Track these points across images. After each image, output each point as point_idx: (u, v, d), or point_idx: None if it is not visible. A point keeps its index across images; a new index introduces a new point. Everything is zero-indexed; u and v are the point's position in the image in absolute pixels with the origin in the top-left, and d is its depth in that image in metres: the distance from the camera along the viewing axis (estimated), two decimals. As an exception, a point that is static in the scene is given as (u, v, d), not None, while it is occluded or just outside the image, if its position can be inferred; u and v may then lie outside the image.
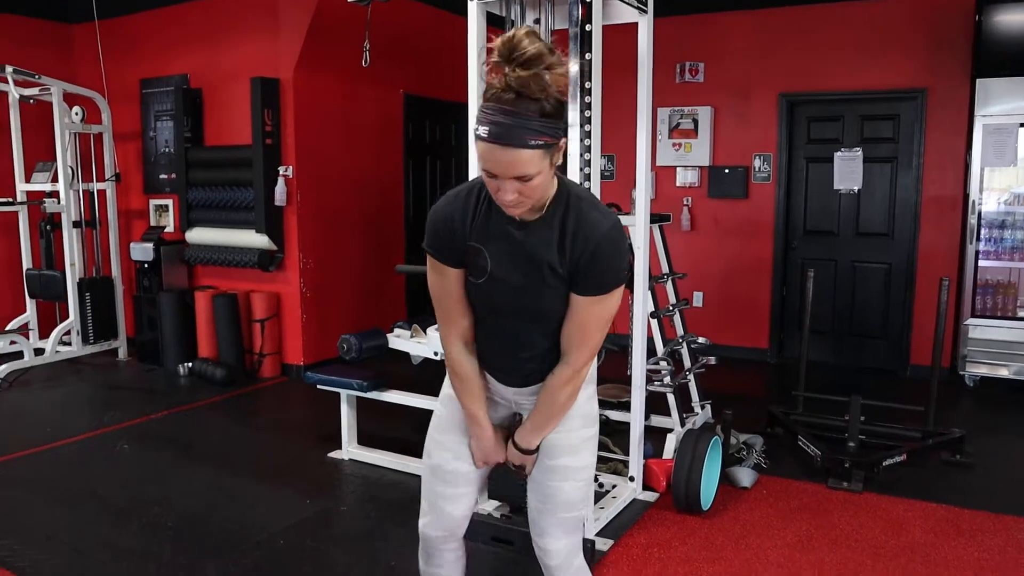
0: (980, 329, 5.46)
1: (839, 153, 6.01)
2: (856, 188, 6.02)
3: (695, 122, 6.39)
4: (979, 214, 5.39)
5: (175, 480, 3.93)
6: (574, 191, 1.74)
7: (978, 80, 5.31)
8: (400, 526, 3.35)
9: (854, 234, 6.11)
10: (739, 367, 6.14)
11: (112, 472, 4.05)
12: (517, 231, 1.72)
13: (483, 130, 1.55)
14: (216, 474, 4.02)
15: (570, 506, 1.96)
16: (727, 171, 6.35)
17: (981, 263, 5.47)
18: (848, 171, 6.01)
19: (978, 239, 5.43)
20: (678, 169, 6.53)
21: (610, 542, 3.21)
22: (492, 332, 1.87)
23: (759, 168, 6.27)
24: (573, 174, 2.95)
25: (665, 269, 4.49)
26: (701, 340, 4.57)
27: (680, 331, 4.48)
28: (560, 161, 1.65)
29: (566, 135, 1.65)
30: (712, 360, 4.53)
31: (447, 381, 2.03)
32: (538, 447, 1.94)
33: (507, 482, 3.22)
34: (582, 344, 1.79)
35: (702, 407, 4.47)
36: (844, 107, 6.01)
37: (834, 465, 3.82)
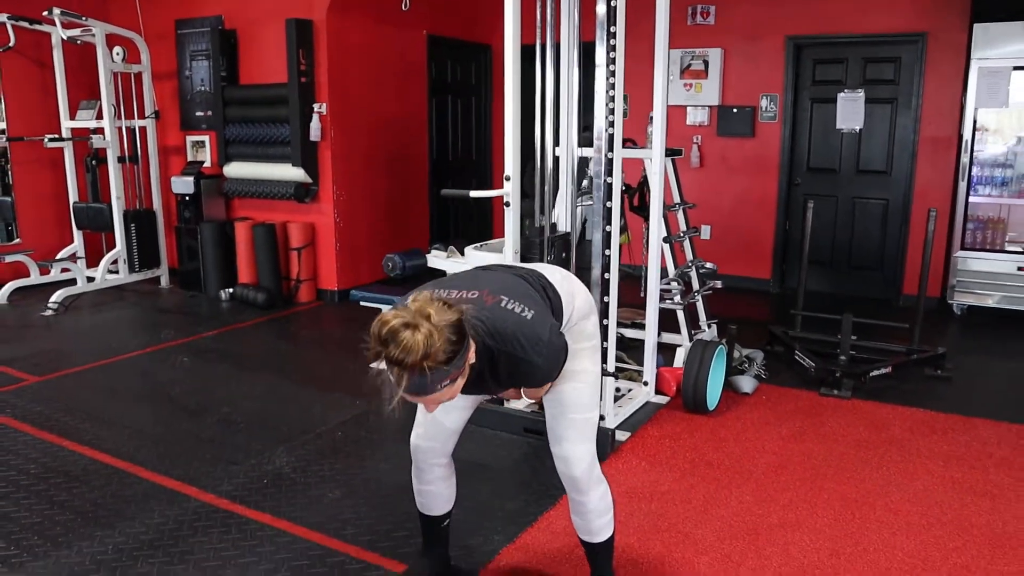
0: (969, 261, 5.85)
1: (842, 94, 6.32)
2: (858, 128, 6.34)
3: (705, 63, 6.70)
4: (971, 153, 5.73)
5: (236, 386, 4.40)
6: (493, 345, 1.87)
7: (976, 24, 5.60)
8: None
9: (855, 171, 6.47)
10: (744, 295, 6.57)
11: (178, 380, 4.52)
12: (462, 393, 1.95)
13: (403, 390, 1.72)
14: (271, 382, 4.49)
15: (579, 407, 2.15)
16: (735, 110, 6.68)
17: (972, 199, 5.83)
18: (850, 111, 6.33)
19: (970, 176, 5.79)
20: (688, 108, 6.86)
21: (627, 434, 3.67)
22: None
23: (766, 108, 6.59)
24: (599, 112, 3.31)
25: (677, 199, 4.87)
26: (709, 265, 4.97)
27: (689, 256, 4.88)
28: (470, 364, 1.80)
29: (467, 352, 1.76)
30: (718, 284, 4.94)
31: None
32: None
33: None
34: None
35: (709, 326, 4.90)
36: (848, 50, 6.30)
37: (826, 375, 4.28)
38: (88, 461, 3.40)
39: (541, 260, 3.64)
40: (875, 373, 4.28)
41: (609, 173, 3.43)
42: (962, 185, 5.84)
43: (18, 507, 2.99)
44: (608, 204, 3.44)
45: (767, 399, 4.17)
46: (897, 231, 6.32)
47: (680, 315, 4.54)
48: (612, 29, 3.30)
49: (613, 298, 3.59)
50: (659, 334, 4.87)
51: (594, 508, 2.24)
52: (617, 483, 3.19)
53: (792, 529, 2.85)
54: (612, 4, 3.28)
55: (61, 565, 2.60)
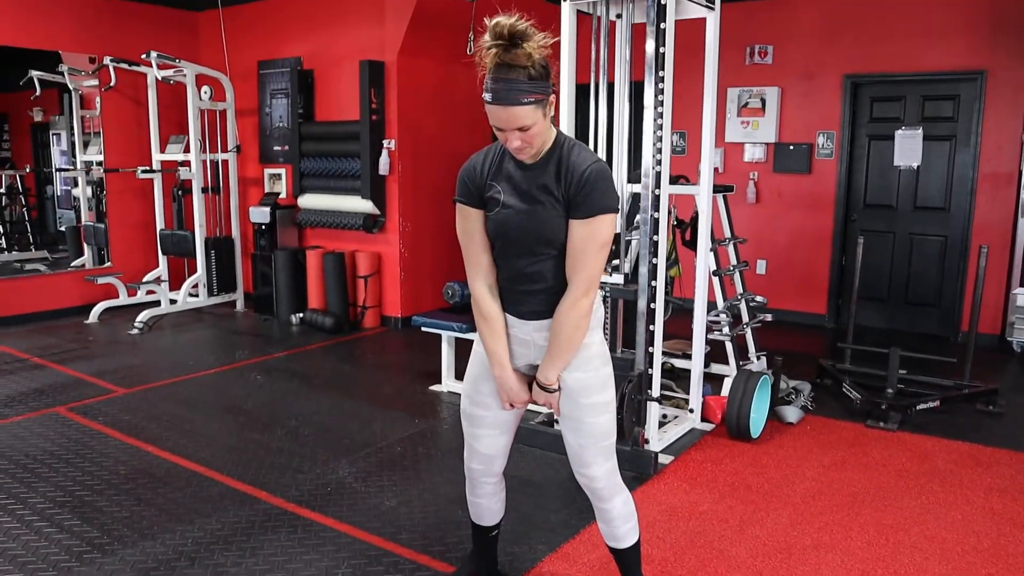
0: (1029, 298, 5.81)
1: (900, 131, 6.38)
2: (915, 165, 6.39)
3: (763, 101, 6.85)
4: (1031, 190, 5.73)
5: (304, 403, 4.70)
6: (568, 140, 2.13)
7: (1035, 62, 5.64)
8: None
9: (912, 208, 6.50)
10: (798, 330, 6.63)
11: (251, 395, 4.84)
12: (522, 171, 2.13)
13: (487, 95, 1.95)
14: (336, 400, 4.77)
15: (606, 435, 2.29)
16: (792, 148, 6.79)
17: (1032, 236, 5.81)
18: (908, 148, 6.39)
19: (1030, 213, 5.78)
20: (745, 145, 7.00)
21: (671, 457, 3.82)
22: (508, 268, 2.21)
23: (822, 145, 6.69)
24: (647, 150, 3.53)
25: (727, 234, 5.02)
26: (759, 299, 5.10)
27: (740, 289, 5.02)
28: (552, 113, 2.04)
29: (555, 91, 2.01)
30: (768, 317, 5.06)
31: (476, 340, 2.35)
32: (559, 387, 2.23)
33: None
34: (581, 269, 2.09)
35: (758, 358, 5.02)
36: (906, 88, 6.38)
37: (872, 407, 4.35)
38: (171, 465, 3.71)
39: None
40: (922, 407, 4.33)
41: (656, 208, 3.62)
42: (1022, 221, 5.83)
43: (110, 502, 3.31)
44: (655, 238, 3.63)
45: (811, 429, 4.26)
46: (955, 267, 6.32)
47: (728, 346, 4.68)
48: (660, 73, 3.51)
49: (659, 327, 3.77)
50: (708, 365, 5.03)
51: (618, 514, 2.41)
52: (657, 502, 3.35)
53: (825, 551, 2.95)
54: (661, 50, 3.50)
55: (147, 553, 2.89)
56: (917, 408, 4.33)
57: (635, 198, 4.17)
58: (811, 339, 6.43)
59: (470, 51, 4.57)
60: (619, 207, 2.20)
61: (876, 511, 3.28)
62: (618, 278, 3.83)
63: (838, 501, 3.38)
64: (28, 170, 8.12)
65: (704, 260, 4.21)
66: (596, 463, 2.31)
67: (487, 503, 2.58)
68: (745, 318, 5.00)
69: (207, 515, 3.21)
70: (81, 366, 5.39)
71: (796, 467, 3.75)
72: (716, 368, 4.97)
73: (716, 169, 7.13)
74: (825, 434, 4.19)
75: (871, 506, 3.33)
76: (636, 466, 3.64)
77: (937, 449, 3.97)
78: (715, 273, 4.67)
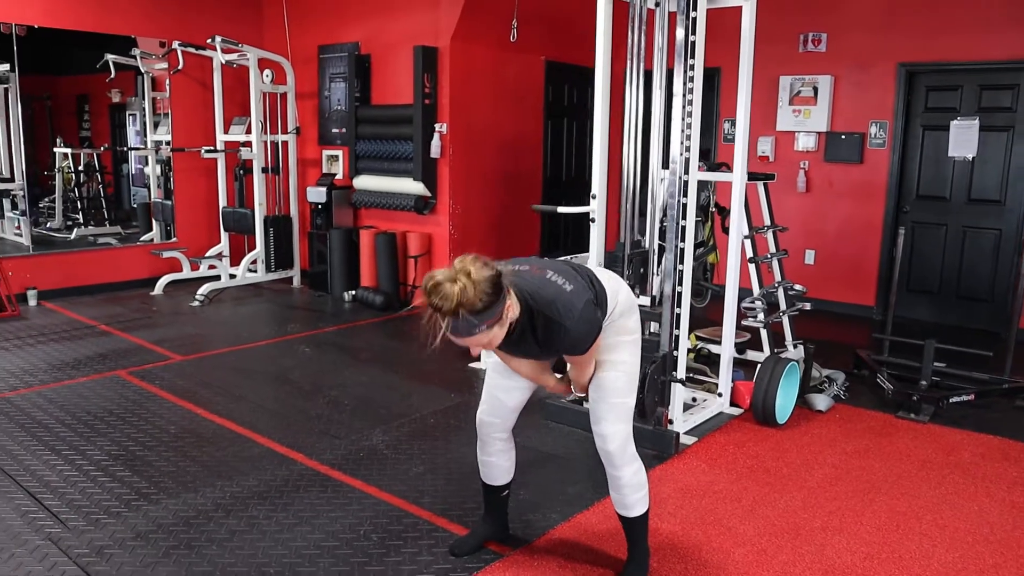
0: (1085, 295, 5.66)
1: (955, 121, 6.22)
2: (971, 156, 6.23)
3: (815, 89, 6.78)
4: (1091, 184, 5.57)
5: (347, 375, 4.92)
6: (535, 307, 2.22)
7: (1098, 53, 5.46)
8: (525, 416, 4.13)
9: (966, 200, 6.37)
10: (845, 321, 6.58)
11: (298, 366, 5.09)
12: (505, 345, 2.29)
13: (445, 330, 2.07)
14: (379, 373, 4.98)
15: (618, 392, 2.48)
16: (843, 137, 6.72)
17: (1090, 231, 5.65)
18: (964, 139, 6.24)
19: (1089, 208, 5.61)
20: (797, 134, 6.95)
21: (694, 439, 3.91)
22: None
23: (875, 135, 6.60)
24: (675, 137, 3.60)
25: (767, 222, 5.04)
26: (798, 287, 5.09)
27: (778, 277, 5.03)
28: (509, 314, 2.13)
29: (504, 303, 2.08)
30: (807, 306, 5.05)
31: None
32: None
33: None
34: (580, 365, 2.48)
35: (795, 346, 5.03)
36: (963, 77, 6.24)
37: (904, 398, 4.34)
38: (216, 427, 3.97)
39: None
40: (955, 399, 4.31)
41: (684, 194, 3.70)
42: (1080, 217, 5.67)
43: (159, 457, 3.58)
44: (683, 223, 3.70)
45: (840, 418, 4.28)
46: (1009, 262, 6.18)
47: (763, 333, 4.72)
48: (691, 61, 3.57)
49: (685, 310, 3.84)
50: (744, 351, 5.08)
51: (628, 483, 2.54)
52: (674, 480, 3.45)
53: (833, 533, 3.01)
54: (691, 38, 3.56)
55: (189, 504, 3.13)
56: (950, 401, 4.31)
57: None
58: (857, 330, 6.38)
59: (513, 38, 4.73)
60: (601, 322, 2.39)
61: (891, 499, 3.32)
62: (645, 300, 3.90)
63: (854, 487, 3.42)
64: (103, 149, 8.54)
65: (735, 247, 4.25)
66: (606, 419, 2.49)
67: (497, 460, 2.74)
68: (783, 306, 5.02)
69: (246, 473, 3.44)
70: (143, 334, 5.72)
71: (817, 453, 3.79)
72: (752, 355, 5.01)
73: (766, 157, 7.10)
74: (853, 423, 4.21)
75: (887, 494, 3.36)
76: (658, 445, 3.74)
77: (966, 442, 3.95)
78: (751, 260, 4.71)
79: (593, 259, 4.10)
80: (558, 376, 2.66)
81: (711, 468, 3.59)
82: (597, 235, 4.12)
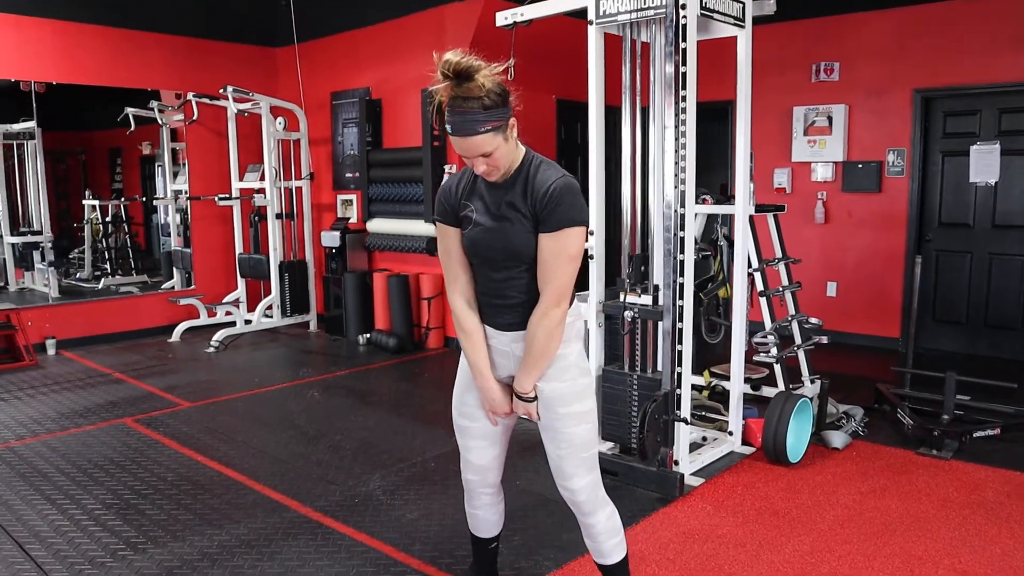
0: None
1: (975, 146, 6.09)
2: (993, 181, 6.08)
3: (829, 119, 6.67)
4: (1119, 206, 5.37)
5: (353, 418, 4.85)
6: (535, 158, 2.20)
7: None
8: (528, 459, 4.05)
9: (990, 226, 6.18)
10: (868, 354, 6.38)
11: (305, 411, 5.04)
12: (492, 190, 2.19)
13: (448, 127, 2.05)
14: (385, 416, 4.91)
15: (587, 445, 2.31)
16: (860, 166, 6.58)
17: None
18: (985, 164, 6.09)
19: (1119, 231, 5.40)
20: (813, 164, 6.83)
21: (701, 480, 3.76)
22: (484, 283, 2.28)
23: (893, 163, 6.46)
24: (668, 171, 3.53)
25: (778, 254, 4.92)
26: (813, 320, 4.94)
27: (791, 310, 4.89)
28: (515, 135, 2.13)
29: (510, 116, 2.09)
30: (824, 339, 4.89)
31: (462, 359, 2.42)
32: (535, 396, 2.27)
33: (620, 426, 3.86)
34: (551, 280, 2.14)
35: (812, 381, 4.86)
36: (981, 101, 6.10)
37: (925, 433, 4.15)
38: (215, 473, 3.92)
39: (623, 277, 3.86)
40: (980, 434, 4.11)
41: (681, 228, 3.61)
42: (1110, 241, 5.46)
43: (151, 505, 3.53)
44: (680, 257, 3.61)
45: (857, 455, 4.10)
46: (1038, 289, 5.96)
47: (776, 368, 4.58)
48: (683, 93, 3.51)
49: (687, 347, 3.73)
50: (759, 388, 4.93)
51: (602, 529, 2.41)
52: (676, 524, 3.31)
53: (842, 579, 2.85)
54: (683, 70, 3.50)
55: (174, 553, 3.07)
56: (974, 435, 4.11)
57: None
58: (880, 363, 6.16)
59: (510, 77, 4.70)
60: (588, 220, 2.20)
61: (907, 541, 3.14)
62: (647, 299, 3.82)
63: (868, 529, 3.25)
64: (127, 200, 8.68)
65: (740, 280, 4.14)
66: (577, 475, 2.33)
67: (484, 515, 2.62)
68: (798, 340, 4.87)
69: (237, 520, 3.37)
70: (155, 381, 5.73)
71: (831, 493, 3.62)
72: (767, 391, 4.86)
73: (782, 189, 6.98)
74: (870, 460, 4.03)
75: (903, 536, 3.19)
76: (661, 487, 3.61)
77: (990, 479, 3.75)
78: (762, 294, 4.59)
79: (593, 296, 4.02)
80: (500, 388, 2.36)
81: (716, 511, 3.44)
82: (596, 272, 4.03)
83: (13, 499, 3.62)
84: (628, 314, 3.82)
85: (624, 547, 2.47)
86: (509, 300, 2.25)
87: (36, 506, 3.54)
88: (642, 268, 3.88)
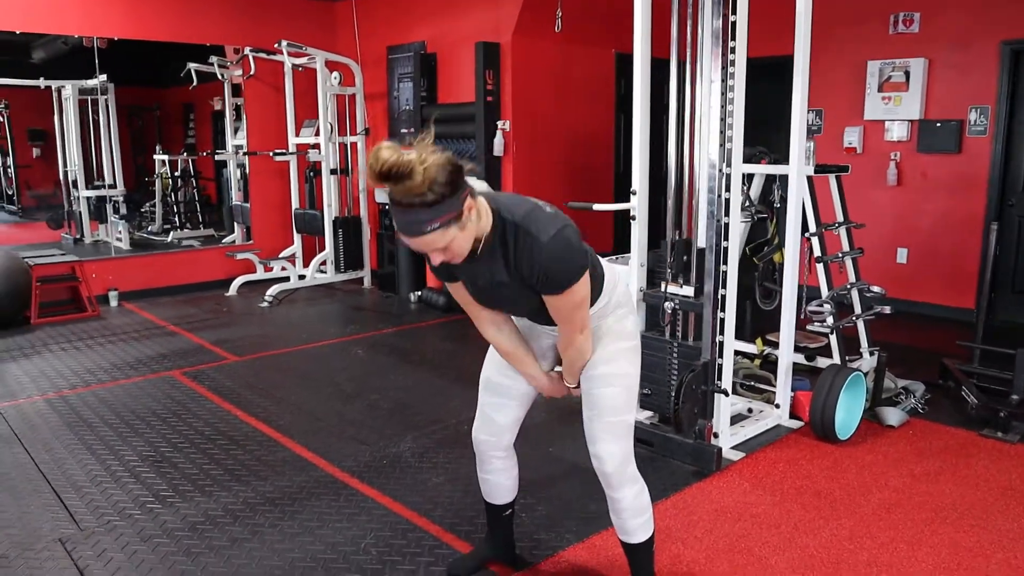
0: None
1: (1069, 104, 5.62)
2: (1087, 142, 5.61)
3: (907, 74, 6.23)
4: None
5: (393, 377, 4.83)
6: (509, 219, 1.94)
7: None
8: (564, 425, 3.96)
9: (1081, 192, 5.72)
10: (940, 325, 6.03)
11: (347, 368, 5.04)
12: (474, 264, 2.00)
13: (395, 226, 1.84)
14: (424, 376, 4.87)
15: (615, 410, 2.23)
16: (939, 125, 6.15)
17: None
18: (1078, 124, 5.61)
19: None
20: (886, 123, 6.42)
21: (742, 454, 3.60)
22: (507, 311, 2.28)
23: (975, 121, 6.01)
24: (713, 131, 3.31)
25: (839, 218, 4.64)
26: (875, 289, 4.66)
27: (851, 278, 4.62)
28: (474, 215, 1.86)
29: (463, 201, 1.81)
30: (887, 309, 4.62)
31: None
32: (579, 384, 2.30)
33: (659, 395, 3.71)
34: (564, 323, 2.11)
35: (871, 353, 4.60)
36: (1078, 54, 5.60)
37: (990, 414, 3.88)
38: (250, 429, 3.95)
39: (667, 268, 3.69)
40: (1052, 417, 3.82)
41: (727, 189, 3.40)
42: None
43: (184, 459, 3.57)
44: (724, 220, 3.41)
45: (913, 434, 3.87)
46: None
47: (832, 339, 4.34)
48: (731, 44, 3.28)
49: (730, 314, 3.54)
50: (813, 358, 4.69)
51: (628, 506, 2.31)
52: (709, 500, 3.17)
53: (881, 569, 2.67)
54: (732, 19, 3.26)
55: (200, 508, 3.10)
56: (1045, 418, 3.82)
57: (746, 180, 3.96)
58: (951, 336, 5.81)
59: (558, 28, 4.54)
60: (587, 263, 2.03)
61: (957, 530, 2.93)
62: (688, 290, 3.62)
63: (916, 515, 3.05)
64: (191, 155, 8.83)
65: (793, 244, 3.91)
66: (603, 439, 2.26)
67: (496, 479, 2.56)
68: (857, 309, 4.61)
69: (264, 477, 3.38)
70: (207, 335, 5.83)
71: (879, 474, 3.42)
72: (823, 362, 4.62)
73: (853, 149, 6.59)
74: (927, 440, 3.79)
75: (953, 524, 2.98)
76: (697, 461, 3.46)
77: (1060, 466, 3.49)
78: (819, 260, 4.34)
79: (635, 259, 3.86)
80: (556, 371, 2.41)
81: (753, 488, 3.28)
82: (639, 233, 3.86)
83: (58, 448, 3.71)
84: (668, 305, 3.63)
85: (650, 527, 2.37)
86: (530, 319, 2.31)
87: (78, 455, 3.62)
88: (684, 257, 3.66)
